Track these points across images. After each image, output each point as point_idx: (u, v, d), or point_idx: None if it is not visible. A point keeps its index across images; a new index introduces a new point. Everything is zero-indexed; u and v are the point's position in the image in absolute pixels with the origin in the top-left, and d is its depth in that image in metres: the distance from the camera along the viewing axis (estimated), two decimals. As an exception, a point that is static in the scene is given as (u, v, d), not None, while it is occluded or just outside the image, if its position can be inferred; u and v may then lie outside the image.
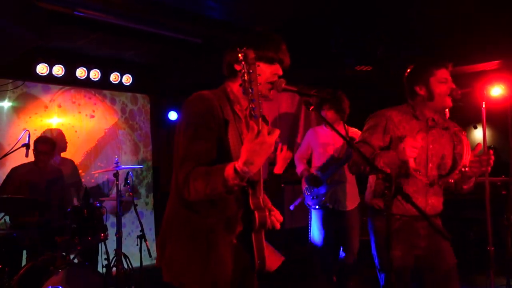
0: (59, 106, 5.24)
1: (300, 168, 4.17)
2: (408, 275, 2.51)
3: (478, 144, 2.35)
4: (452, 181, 2.40)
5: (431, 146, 2.55)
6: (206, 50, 4.54)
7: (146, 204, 6.01)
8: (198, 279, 1.76)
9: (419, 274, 2.57)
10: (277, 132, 1.52)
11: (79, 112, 5.39)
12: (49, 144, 4.38)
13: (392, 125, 2.53)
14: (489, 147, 5.34)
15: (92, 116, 5.52)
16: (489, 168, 2.35)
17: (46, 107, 5.14)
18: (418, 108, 2.57)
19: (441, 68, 2.50)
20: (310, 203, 4.04)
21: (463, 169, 2.37)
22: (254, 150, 1.48)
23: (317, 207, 3.96)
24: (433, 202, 2.54)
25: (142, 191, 5.97)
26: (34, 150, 4.27)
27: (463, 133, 2.58)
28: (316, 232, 4.01)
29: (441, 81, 2.48)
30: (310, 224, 4.09)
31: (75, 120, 5.36)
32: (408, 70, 2.63)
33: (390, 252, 1.86)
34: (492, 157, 2.34)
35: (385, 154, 2.38)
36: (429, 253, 2.53)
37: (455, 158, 2.60)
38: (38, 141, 4.33)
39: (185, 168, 1.70)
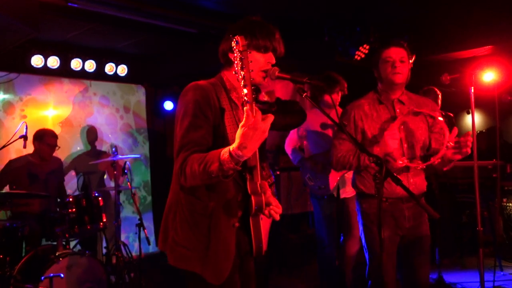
0: (54, 97, 5.25)
1: (296, 156, 3.95)
2: (395, 255, 2.60)
3: (454, 128, 2.38)
4: (437, 162, 2.45)
5: (402, 127, 2.58)
6: (202, 40, 4.56)
7: (143, 196, 6.07)
8: (200, 262, 1.82)
9: (398, 253, 2.65)
10: (270, 118, 1.58)
11: (75, 103, 5.42)
12: (56, 138, 4.41)
13: (358, 116, 2.62)
14: (479, 132, 5.40)
15: (88, 107, 5.54)
16: (468, 150, 2.39)
17: (42, 99, 5.15)
18: (382, 92, 2.66)
19: (389, 47, 2.57)
20: (316, 193, 3.77)
21: (446, 148, 2.39)
22: (247, 135, 1.54)
23: (325, 197, 3.70)
24: (415, 181, 2.61)
25: (139, 181, 6.02)
26: (41, 142, 4.28)
27: (439, 115, 2.57)
28: (322, 223, 3.75)
29: (385, 61, 2.57)
30: (316, 216, 3.83)
31: (71, 111, 5.38)
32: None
33: (381, 234, 1.92)
34: (470, 139, 2.37)
35: (370, 152, 2.43)
36: (411, 234, 2.61)
37: (430, 138, 2.66)
38: (47, 134, 4.34)
39: (181, 155, 1.76)
